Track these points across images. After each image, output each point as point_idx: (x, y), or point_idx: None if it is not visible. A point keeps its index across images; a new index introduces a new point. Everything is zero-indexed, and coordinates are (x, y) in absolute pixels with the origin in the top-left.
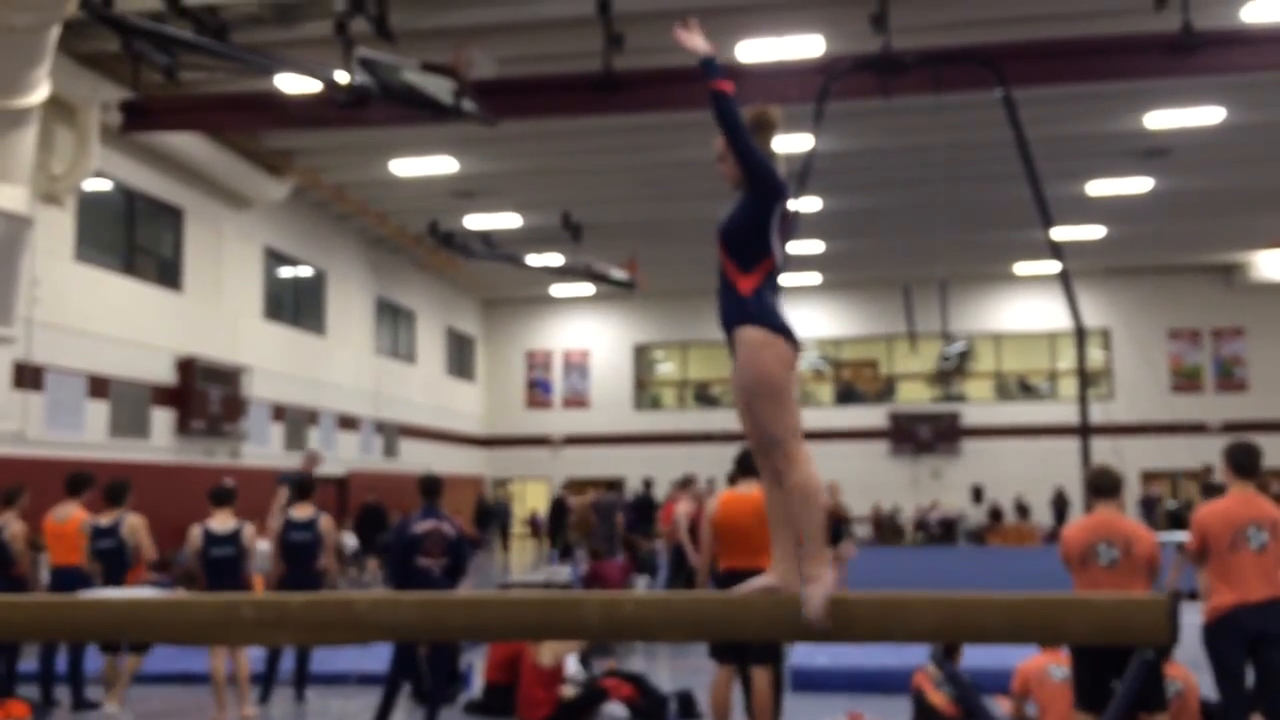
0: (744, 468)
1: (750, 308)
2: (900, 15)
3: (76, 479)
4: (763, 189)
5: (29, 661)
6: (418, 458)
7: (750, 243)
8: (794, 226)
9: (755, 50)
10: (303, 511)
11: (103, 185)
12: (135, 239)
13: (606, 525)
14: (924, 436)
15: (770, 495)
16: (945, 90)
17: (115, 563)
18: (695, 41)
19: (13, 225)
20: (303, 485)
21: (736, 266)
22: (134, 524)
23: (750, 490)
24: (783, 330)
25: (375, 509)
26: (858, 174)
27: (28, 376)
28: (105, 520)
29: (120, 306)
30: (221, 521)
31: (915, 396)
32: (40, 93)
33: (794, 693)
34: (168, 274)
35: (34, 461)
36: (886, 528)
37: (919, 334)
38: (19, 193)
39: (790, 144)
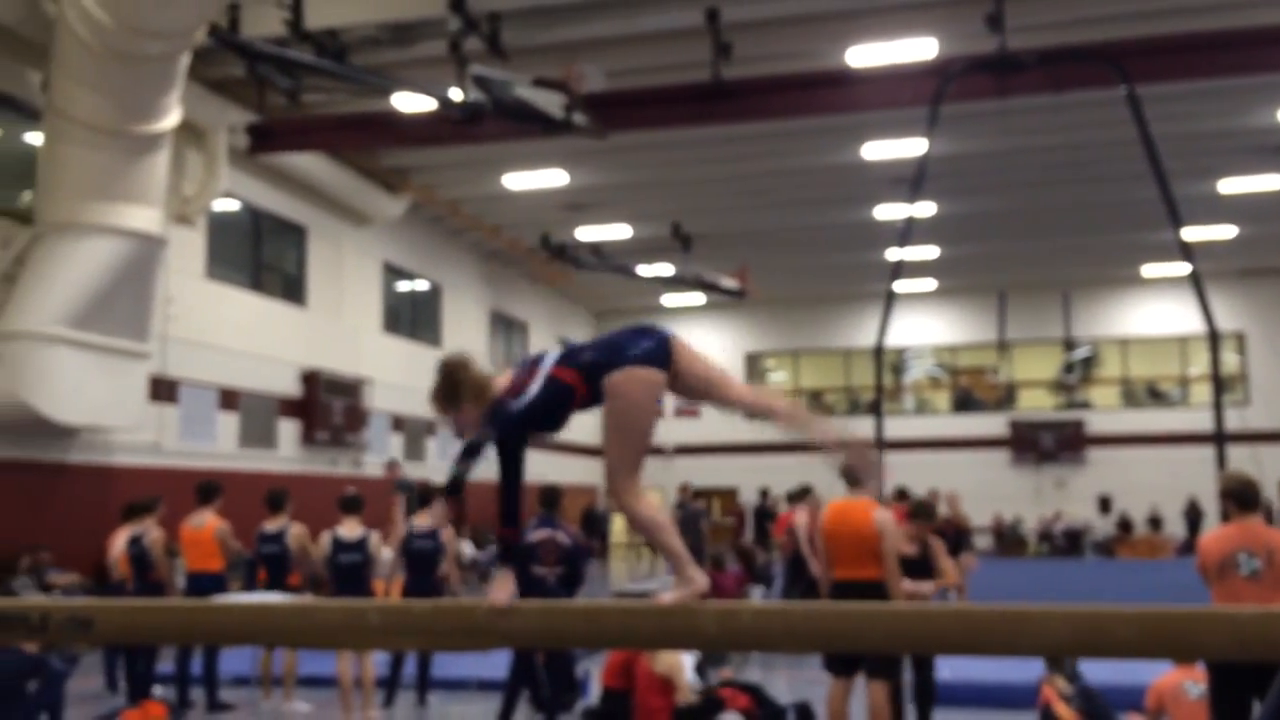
0: (850, 479)
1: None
2: (1016, 14)
3: (207, 488)
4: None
5: (166, 664)
6: (532, 467)
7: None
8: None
9: (867, 55)
10: (424, 520)
11: (231, 205)
12: (261, 256)
13: (692, 536)
14: (1047, 445)
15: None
16: (1065, 89)
17: (279, 567)
18: (498, 595)
19: (148, 245)
20: (424, 495)
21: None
22: (298, 533)
23: (859, 499)
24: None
25: None
26: (974, 177)
27: (163, 390)
28: (270, 527)
29: (248, 321)
30: (350, 529)
31: (1037, 404)
32: (172, 118)
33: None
34: (292, 290)
35: (169, 471)
36: (1008, 539)
37: (1041, 341)
38: (153, 214)
39: (905, 148)
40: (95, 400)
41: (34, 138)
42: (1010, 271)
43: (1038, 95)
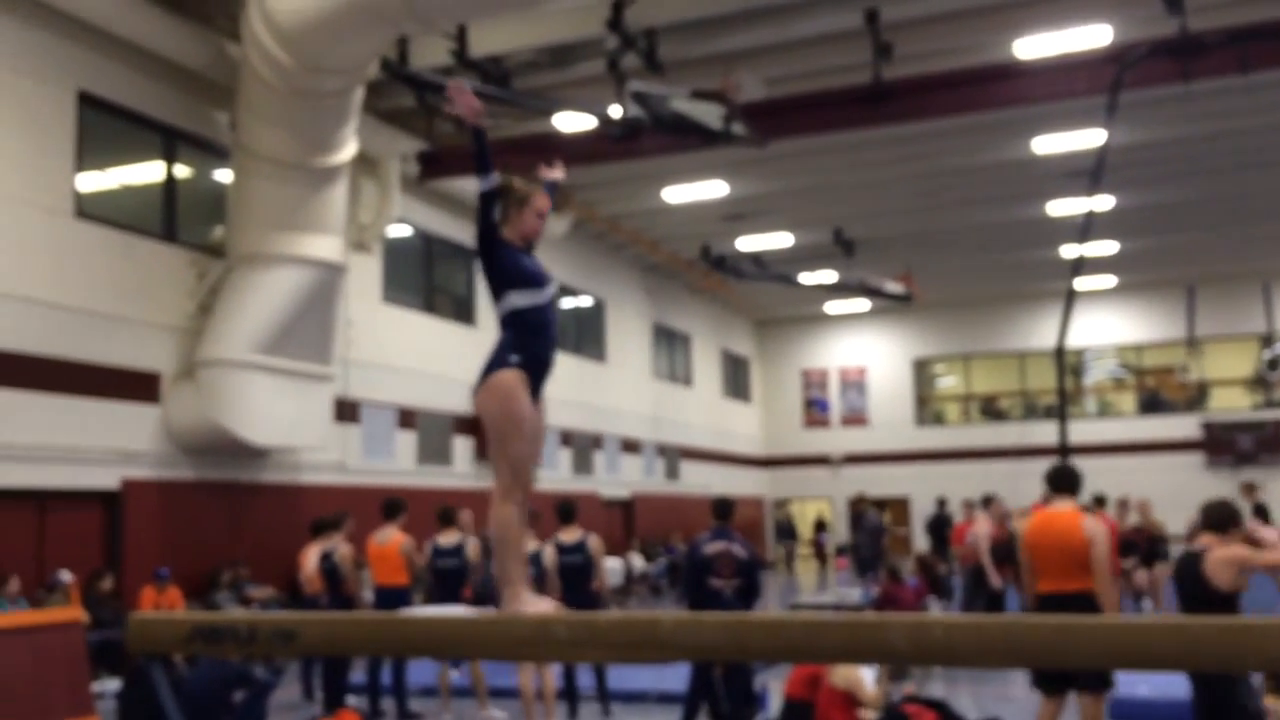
0: (1055, 485)
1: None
2: None
3: (392, 504)
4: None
5: (357, 674)
6: (699, 479)
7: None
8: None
9: (1036, 46)
10: (570, 535)
11: (403, 231)
12: (433, 279)
13: (871, 545)
14: (1245, 447)
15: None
16: (1254, 70)
17: (455, 581)
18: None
19: (330, 273)
20: (566, 509)
21: None
22: (476, 546)
23: (1064, 508)
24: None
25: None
26: (1156, 166)
27: (346, 410)
28: (446, 541)
29: (422, 342)
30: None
31: (1232, 404)
32: (349, 150)
33: None
34: (462, 310)
35: (353, 489)
36: None
37: (1235, 336)
38: (334, 242)
39: (1080, 140)
40: (285, 422)
41: (223, 175)
42: (1198, 264)
43: (1224, 77)
